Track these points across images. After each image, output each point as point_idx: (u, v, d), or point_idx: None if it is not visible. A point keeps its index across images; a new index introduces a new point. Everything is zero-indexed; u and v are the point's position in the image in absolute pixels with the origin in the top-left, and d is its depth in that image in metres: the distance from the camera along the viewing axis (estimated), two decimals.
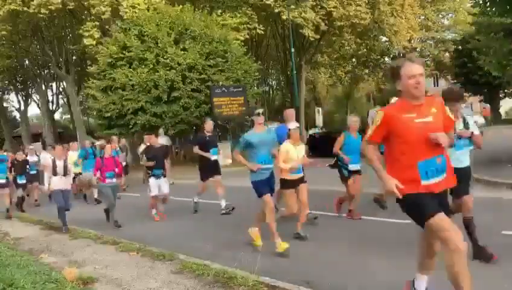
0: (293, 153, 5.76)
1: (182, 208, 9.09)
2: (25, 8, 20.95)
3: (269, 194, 5.50)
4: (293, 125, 6.01)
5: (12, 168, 10.95)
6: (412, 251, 5.05)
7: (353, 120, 7.03)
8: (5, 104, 42.05)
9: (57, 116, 50.75)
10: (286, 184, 5.80)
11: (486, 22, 11.08)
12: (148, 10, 20.43)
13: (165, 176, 8.45)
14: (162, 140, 13.52)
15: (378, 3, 25.08)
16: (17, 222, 9.70)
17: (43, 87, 36.96)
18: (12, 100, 44.80)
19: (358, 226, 6.57)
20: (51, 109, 38.77)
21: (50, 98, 39.32)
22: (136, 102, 17.90)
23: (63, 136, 39.61)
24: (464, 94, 6.59)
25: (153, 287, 4.49)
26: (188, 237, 6.94)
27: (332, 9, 23.66)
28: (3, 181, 10.30)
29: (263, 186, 5.47)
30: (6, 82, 37.69)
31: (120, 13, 20.59)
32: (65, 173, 8.15)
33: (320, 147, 20.02)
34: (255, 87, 23.37)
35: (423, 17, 32.60)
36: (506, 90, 30.40)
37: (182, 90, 17.83)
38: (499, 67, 11.75)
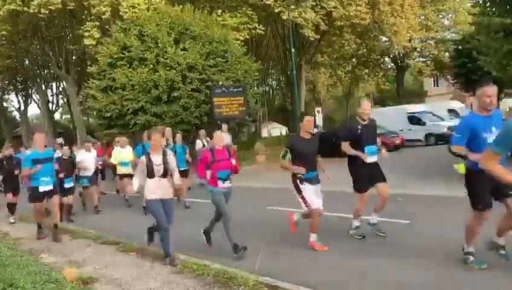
0: None
1: (191, 209, 9.07)
2: (25, 8, 20.98)
3: None
4: None
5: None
6: (412, 251, 5.06)
7: None
8: (5, 104, 42.13)
9: (57, 116, 50.87)
10: None
11: (486, 22, 11.08)
12: (148, 10, 20.45)
13: (319, 182, 5.60)
14: (226, 138, 11.99)
15: (378, 3, 25.10)
16: (17, 222, 9.68)
17: (43, 87, 36.99)
18: (13, 100, 44.92)
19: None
20: (50, 109, 38.80)
21: (50, 98, 39.40)
22: (136, 102, 17.90)
23: (63, 136, 39.63)
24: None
25: (153, 287, 4.49)
26: (188, 237, 6.93)
27: (332, 9, 23.69)
28: (50, 187, 7.21)
29: None
30: (6, 82, 37.75)
31: (120, 13, 20.61)
32: (165, 174, 5.47)
33: (320, 146, 20.08)
34: (255, 87, 23.39)
35: (423, 17, 32.60)
36: (506, 90, 30.41)
37: (182, 90, 17.83)
38: (499, 67, 11.74)
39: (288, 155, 5.51)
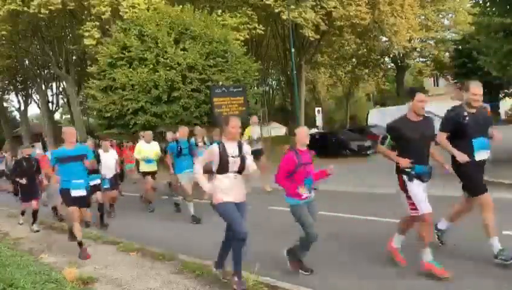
0: None
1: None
2: (25, 8, 20.98)
3: None
4: None
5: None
6: (412, 251, 5.06)
7: None
8: (5, 104, 42.17)
9: (57, 116, 50.91)
10: None
11: (486, 22, 11.08)
12: (148, 10, 20.46)
13: (430, 176, 4.35)
14: (256, 131, 11.18)
15: (378, 3, 25.09)
16: (17, 221, 9.68)
17: (43, 87, 37.01)
18: (13, 100, 44.99)
19: (359, 227, 6.57)
20: (51, 109, 38.81)
21: (50, 98, 39.43)
22: (136, 102, 17.89)
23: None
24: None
25: (153, 287, 4.49)
26: (188, 237, 6.93)
27: (332, 9, 23.68)
28: (83, 193, 6.18)
29: None
30: (6, 82, 37.79)
31: (120, 13, 20.62)
32: (241, 170, 4.34)
33: (320, 147, 20.11)
34: (255, 87, 23.37)
35: (423, 17, 32.63)
36: (506, 90, 30.50)
37: (182, 90, 17.83)
38: (499, 67, 11.73)
39: (388, 141, 4.34)
